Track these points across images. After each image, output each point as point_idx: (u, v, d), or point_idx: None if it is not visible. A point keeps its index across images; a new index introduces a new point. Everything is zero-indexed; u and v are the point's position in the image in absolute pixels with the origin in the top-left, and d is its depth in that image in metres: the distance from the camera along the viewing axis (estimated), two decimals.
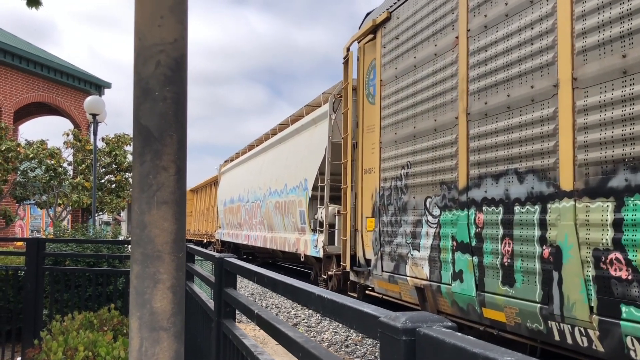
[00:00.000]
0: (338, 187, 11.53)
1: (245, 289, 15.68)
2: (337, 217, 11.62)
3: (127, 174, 21.14)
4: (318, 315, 11.54)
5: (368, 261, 9.18)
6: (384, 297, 8.70)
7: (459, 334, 0.99)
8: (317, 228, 12.67)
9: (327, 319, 11.08)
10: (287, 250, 15.41)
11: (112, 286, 6.98)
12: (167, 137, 2.09)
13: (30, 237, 14.58)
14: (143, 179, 2.08)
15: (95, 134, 15.53)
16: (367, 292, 9.54)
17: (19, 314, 6.74)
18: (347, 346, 8.93)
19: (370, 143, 9.28)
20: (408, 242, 7.66)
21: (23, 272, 6.73)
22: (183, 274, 2.11)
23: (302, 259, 14.05)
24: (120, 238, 11.78)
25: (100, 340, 4.05)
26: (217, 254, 3.45)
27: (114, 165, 20.66)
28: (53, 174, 18.37)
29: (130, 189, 21.47)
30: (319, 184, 12.68)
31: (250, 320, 9.77)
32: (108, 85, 24.59)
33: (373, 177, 9.02)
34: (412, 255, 7.54)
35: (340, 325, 10.43)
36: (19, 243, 15.13)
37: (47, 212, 20.39)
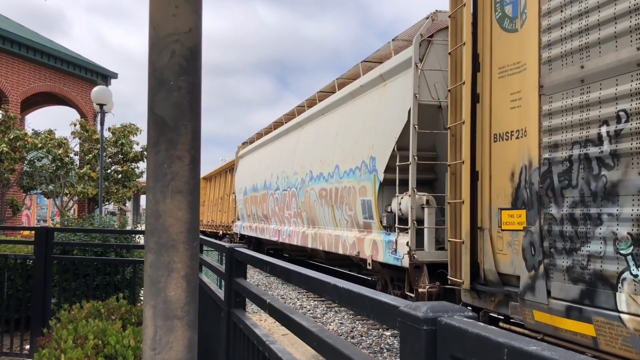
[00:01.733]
0: (425, 167, 9.03)
1: (250, 279, 15.73)
2: (426, 209, 8.35)
3: (133, 164, 21.19)
4: (324, 306, 11.58)
5: (505, 277, 6.33)
6: (546, 337, 5.49)
7: (481, 323, 1.00)
8: (395, 225, 9.02)
9: (333, 310, 11.12)
10: (341, 252, 11.34)
11: (120, 275, 7.02)
12: (182, 126, 2.10)
13: (39, 226, 14.66)
14: (157, 169, 2.09)
15: (102, 124, 15.57)
16: (501, 323, 6.65)
17: (27, 303, 6.79)
18: (352, 337, 8.96)
19: (507, 93, 6.31)
20: (623, 251, 4.65)
21: (31, 261, 6.78)
22: (197, 263, 2.13)
23: (369, 266, 9.87)
24: (128, 228, 11.83)
25: (110, 329, 4.07)
26: (227, 244, 3.47)
27: (120, 156, 20.70)
28: (60, 164, 18.43)
29: (136, 179, 21.60)
30: (397, 164, 8.97)
31: (255, 311, 9.72)
32: (115, 76, 24.62)
33: (518, 144, 6.07)
34: (636, 275, 4.53)
35: (345, 316, 10.46)
36: (26, 232, 15.22)
37: (54, 202, 20.48)
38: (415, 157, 8.49)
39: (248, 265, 3.27)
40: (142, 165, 21.33)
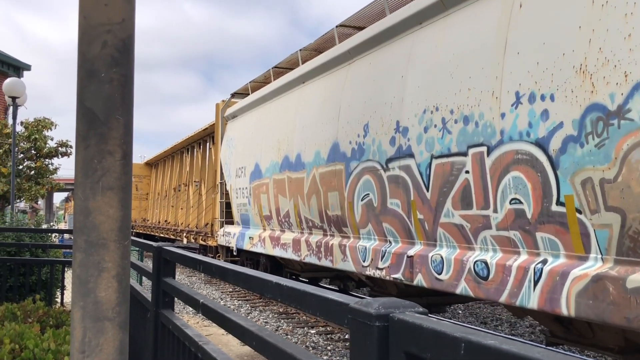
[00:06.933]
0: None
1: None
2: None
3: (47, 160, 20.32)
4: (248, 305, 11.48)
5: None
6: None
7: (434, 318, 1.01)
8: None
9: (257, 309, 11.05)
10: None
11: (35, 276, 6.70)
12: (114, 120, 2.02)
13: None
14: (87, 164, 2.00)
15: (14, 118, 14.82)
16: None
17: None
18: None
19: None
20: None
21: None
22: (128, 262, 2.05)
23: None
24: (44, 227, 11.30)
25: (27, 333, 3.87)
26: (155, 243, 3.37)
27: (33, 151, 19.79)
28: None
29: (50, 176, 20.69)
30: None
31: (177, 312, 9.46)
32: (27, 68, 23.50)
33: None
34: None
35: (270, 315, 10.42)
36: None
37: None
38: None
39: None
40: (56, 162, 20.50)
